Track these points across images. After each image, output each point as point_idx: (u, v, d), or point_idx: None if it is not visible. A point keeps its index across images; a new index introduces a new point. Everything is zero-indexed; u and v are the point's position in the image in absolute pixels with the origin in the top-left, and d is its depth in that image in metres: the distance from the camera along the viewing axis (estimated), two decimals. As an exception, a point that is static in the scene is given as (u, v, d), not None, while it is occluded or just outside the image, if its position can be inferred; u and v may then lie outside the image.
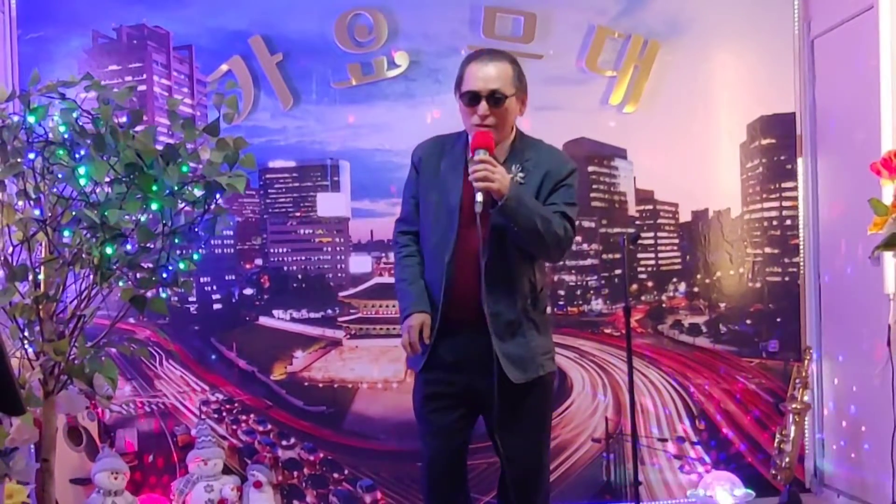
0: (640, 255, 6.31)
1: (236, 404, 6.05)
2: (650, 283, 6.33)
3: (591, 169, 6.20)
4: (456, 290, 3.95)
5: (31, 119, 3.93)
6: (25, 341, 3.90)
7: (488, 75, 3.94)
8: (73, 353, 3.94)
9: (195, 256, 4.28)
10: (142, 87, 5.92)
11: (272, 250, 6.13)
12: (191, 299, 5.99)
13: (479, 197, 3.75)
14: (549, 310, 4.22)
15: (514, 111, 4.03)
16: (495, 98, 3.92)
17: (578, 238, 6.16)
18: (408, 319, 4.00)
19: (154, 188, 3.90)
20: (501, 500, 4.29)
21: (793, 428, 5.90)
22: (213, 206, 4.13)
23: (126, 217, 3.86)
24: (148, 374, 5.99)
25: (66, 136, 3.94)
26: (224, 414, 6.04)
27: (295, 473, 6.06)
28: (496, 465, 4.23)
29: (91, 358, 3.95)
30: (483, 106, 3.91)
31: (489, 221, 3.85)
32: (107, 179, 3.89)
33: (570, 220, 3.96)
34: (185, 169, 4.02)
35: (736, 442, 6.27)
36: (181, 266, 4.14)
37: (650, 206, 6.33)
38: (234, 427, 6.04)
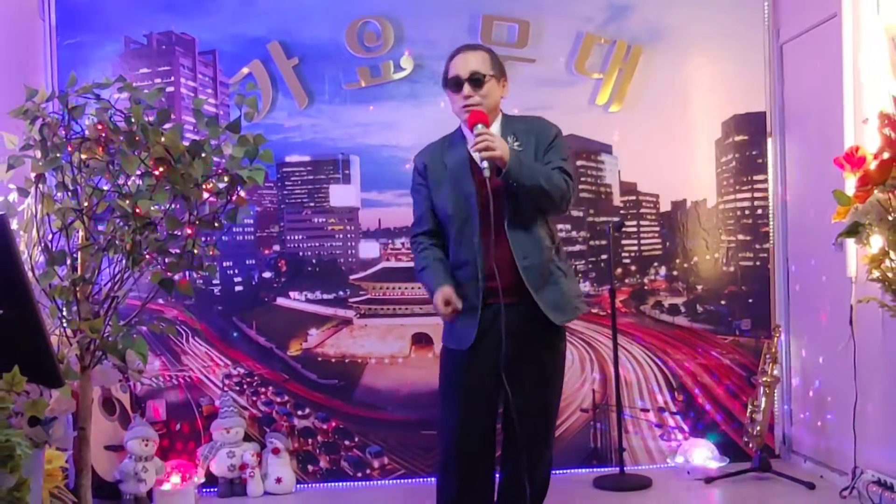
0: (624, 242, 6.31)
1: (256, 377, 6.05)
2: (633, 268, 6.33)
3: (579, 163, 6.19)
4: (489, 262, 3.90)
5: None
6: (64, 320, 3.89)
7: (466, 61, 4.00)
8: (108, 331, 3.93)
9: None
10: (170, 89, 5.92)
11: (289, 237, 6.13)
12: (215, 282, 6.01)
13: (485, 164, 3.77)
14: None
15: (495, 91, 4.05)
16: (475, 79, 3.96)
17: (568, 226, 6.17)
18: (434, 296, 3.97)
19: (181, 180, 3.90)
20: (503, 463, 4.25)
21: (763, 399, 5.90)
22: (234, 197, 4.12)
23: (155, 207, 3.86)
24: (175, 350, 5.99)
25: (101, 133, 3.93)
26: (245, 386, 6.05)
27: (309, 441, 6.06)
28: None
29: (124, 335, 3.94)
30: (466, 87, 3.96)
31: (503, 188, 3.86)
32: (138, 172, 3.89)
33: (567, 173, 3.97)
34: (209, 163, 4.01)
35: (711, 412, 6.27)
36: (206, 251, 4.14)
37: (633, 197, 6.32)
38: (254, 398, 6.05)
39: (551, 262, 4.03)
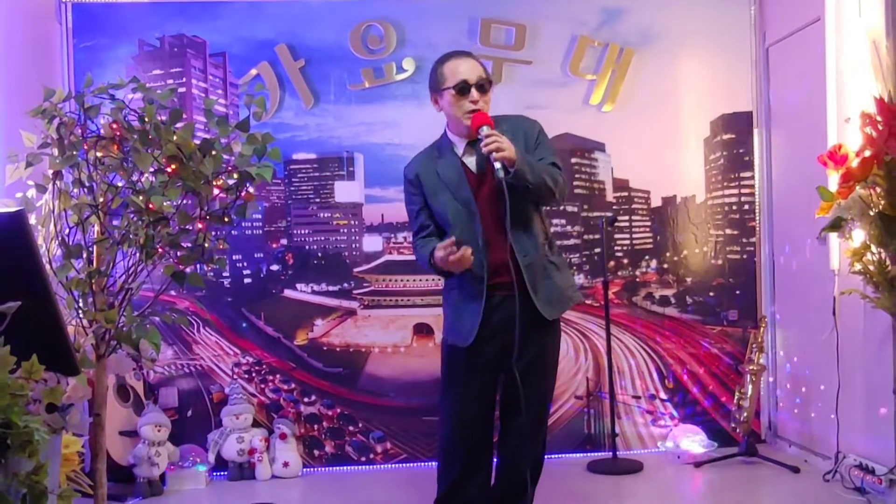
0: (616, 236, 6.31)
1: (264, 366, 6.05)
2: (625, 261, 6.33)
3: (573, 161, 6.19)
4: (493, 262, 3.93)
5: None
6: (80, 311, 3.89)
7: (471, 68, 3.98)
8: (122, 321, 3.93)
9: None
10: (182, 89, 5.92)
11: (295, 232, 6.13)
12: (224, 274, 6.01)
13: (498, 165, 3.73)
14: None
15: (490, 97, 4.05)
16: (481, 85, 3.95)
17: (563, 221, 6.17)
18: (435, 253, 3.87)
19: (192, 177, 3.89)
20: (501, 446, 4.25)
21: (750, 387, 5.90)
22: (243, 193, 4.12)
23: (168, 202, 3.86)
24: (187, 339, 5.99)
25: (116, 132, 3.93)
26: (253, 374, 6.05)
27: (315, 426, 6.07)
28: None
29: (137, 325, 3.94)
30: (474, 92, 3.93)
31: (501, 186, 3.80)
32: (151, 170, 3.88)
33: (558, 166, 4.00)
34: (219, 160, 4.01)
35: (700, 399, 6.28)
36: (216, 245, 4.14)
37: (625, 193, 6.32)
38: (262, 386, 6.05)
39: (545, 257, 4.05)
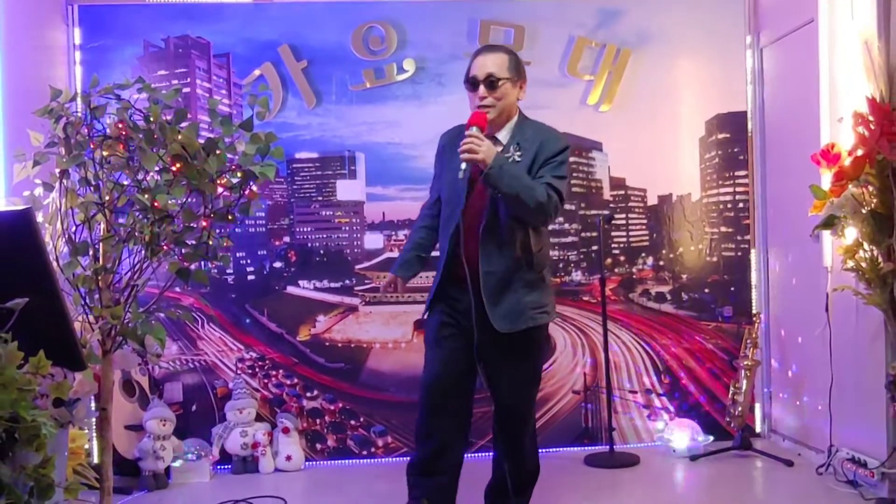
0: (613, 234, 6.31)
1: (267, 361, 6.06)
2: (622, 258, 6.33)
3: (571, 160, 6.16)
4: (462, 251, 3.97)
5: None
6: (86, 307, 3.89)
7: (485, 63, 4.01)
8: (128, 317, 3.93)
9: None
10: (186, 90, 5.91)
11: (298, 229, 6.13)
12: (228, 271, 6.01)
13: (463, 165, 3.82)
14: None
15: (511, 94, 4.05)
16: (490, 81, 3.98)
17: (561, 219, 6.17)
18: (391, 270, 4.36)
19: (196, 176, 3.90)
20: (495, 442, 4.32)
21: (744, 382, 5.91)
22: (247, 192, 4.12)
23: (173, 201, 3.86)
24: (191, 335, 6.00)
25: (121, 131, 3.93)
26: (257, 370, 6.05)
27: (317, 421, 6.07)
28: (489, 414, 4.27)
29: (143, 321, 3.94)
30: (481, 89, 3.99)
31: (484, 191, 3.93)
32: (156, 168, 3.88)
33: (556, 190, 3.92)
34: (223, 159, 4.01)
35: (696, 394, 6.28)
36: (220, 242, 4.14)
37: (622, 192, 6.32)
38: (266, 381, 6.05)
39: (517, 272, 4.01)
